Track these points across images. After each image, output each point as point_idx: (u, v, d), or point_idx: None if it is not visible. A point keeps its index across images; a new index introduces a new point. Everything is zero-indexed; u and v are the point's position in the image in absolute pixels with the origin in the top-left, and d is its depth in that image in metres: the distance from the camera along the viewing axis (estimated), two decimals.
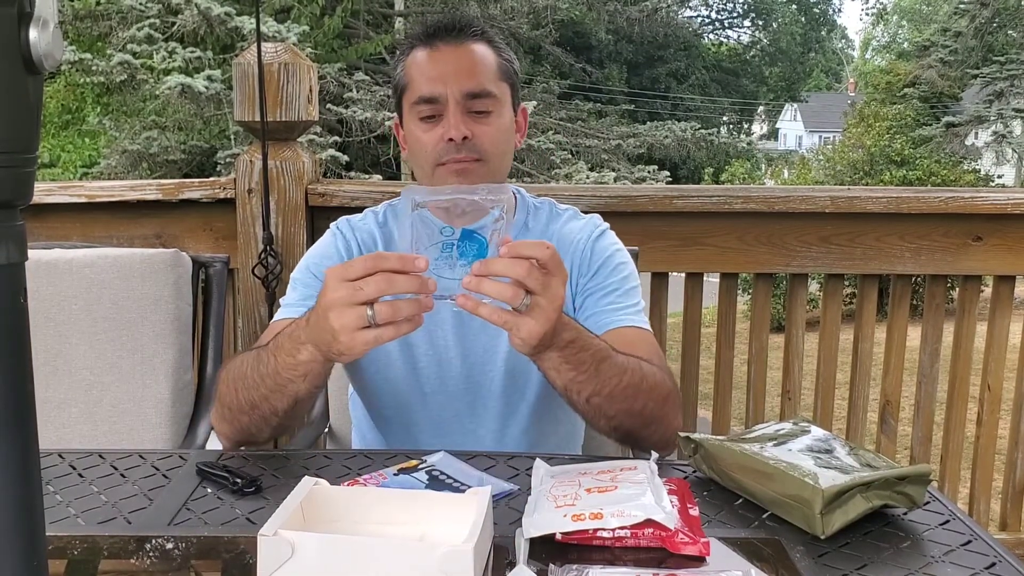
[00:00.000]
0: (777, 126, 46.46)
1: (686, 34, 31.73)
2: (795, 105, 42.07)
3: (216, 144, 12.36)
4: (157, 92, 11.17)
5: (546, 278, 1.02)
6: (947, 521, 1.02)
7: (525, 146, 11.46)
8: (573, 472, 1.06)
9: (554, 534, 0.93)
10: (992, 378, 2.31)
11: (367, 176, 11.31)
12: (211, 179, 2.20)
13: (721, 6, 44.49)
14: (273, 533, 0.85)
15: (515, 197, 1.44)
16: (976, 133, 18.63)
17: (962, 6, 18.39)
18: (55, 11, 0.55)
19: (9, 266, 0.55)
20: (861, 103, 21.90)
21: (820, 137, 35.60)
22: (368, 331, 1.02)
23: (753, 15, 44.24)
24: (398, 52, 1.51)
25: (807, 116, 41.96)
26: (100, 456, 1.23)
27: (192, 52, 11.34)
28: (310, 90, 2.08)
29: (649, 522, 0.91)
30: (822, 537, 0.96)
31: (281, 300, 1.41)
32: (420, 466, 1.15)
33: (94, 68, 11.20)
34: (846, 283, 2.67)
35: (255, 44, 1.98)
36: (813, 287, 4.79)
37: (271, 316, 2.00)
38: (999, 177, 18.93)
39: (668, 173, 14.66)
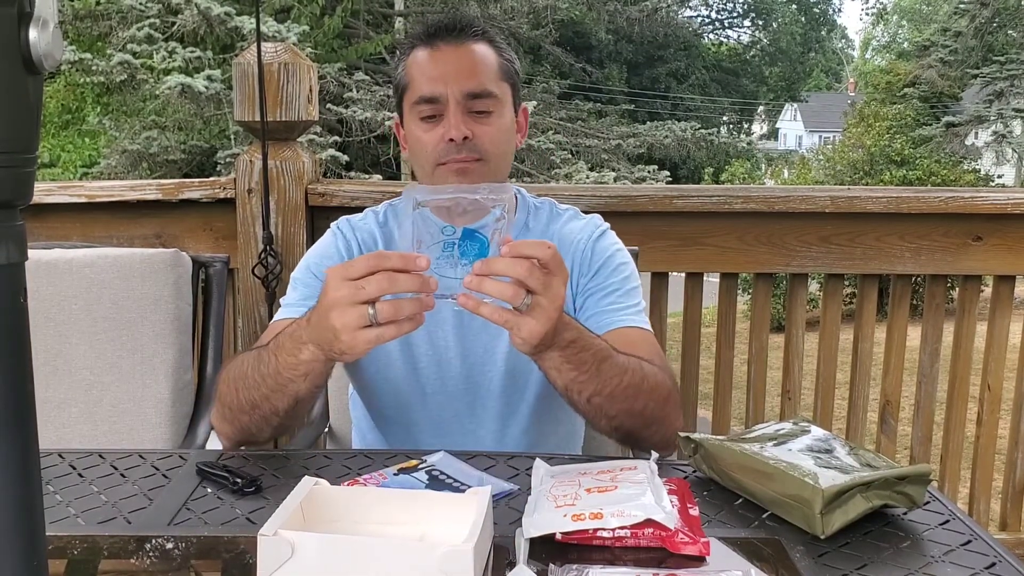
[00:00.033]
0: (777, 126, 46.46)
1: (686, 34, 31.74)
2: (795, 105, 42.07)
3: (216, 144, 12.37)
4: (157, 92, 11.17)
5: (547, 278, 1.02)
6: (947, 521, 1.02)
7: (525, 146, 11.45)
8: (573, 472, 1.06)
9: (554, 534, 0.93)
10: (992, 378, 2.31)
11: (367, 176, 11.31)
12: (211, 179, 2.20)
13: (721, 6, 44.51)
14: (273, 533, 0.85)
15: (516, 197, 1.44)
16: (976, 133, 18.63)
17: (962, 6, 18.39)
18: (55, 11, 0.55)
19: (9, 266, 0.55)
20: (861, 103, 21.90)
21: (820, 137, 35.60)
22: (370, 330, 1.02)
23: (753, 15, 44.24)
24: (399, 52, 1.51)
25: (807, 116, 41.96)
26: (100, 456, 1.23)
27: (192, 52, 11.34)
28: (310, 90, 2.08)
29: (649, 522, 0.91)
30: (822, 537, 0.96)
31: (281, 300, 1.41)
32: (420, 466, 1.15)
33: (94, 68, 11.21)
34: (846, 283, 2.67)
35: (255, 44, 1.98)
36: (813, 287, 4.79)
37: (271, 316, 2.00)
38: (999, 177, 18.93)
39: (668, 173, 14.67)
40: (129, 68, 11.19)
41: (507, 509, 1.04)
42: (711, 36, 43.04)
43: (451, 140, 1.34)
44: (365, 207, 1.52)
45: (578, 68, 21.21)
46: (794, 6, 44.88)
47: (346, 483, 1.09)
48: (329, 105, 11.79)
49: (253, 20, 10.73)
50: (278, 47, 2.08)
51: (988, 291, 2.42)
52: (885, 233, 2.19)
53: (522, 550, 0.91)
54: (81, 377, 1.67)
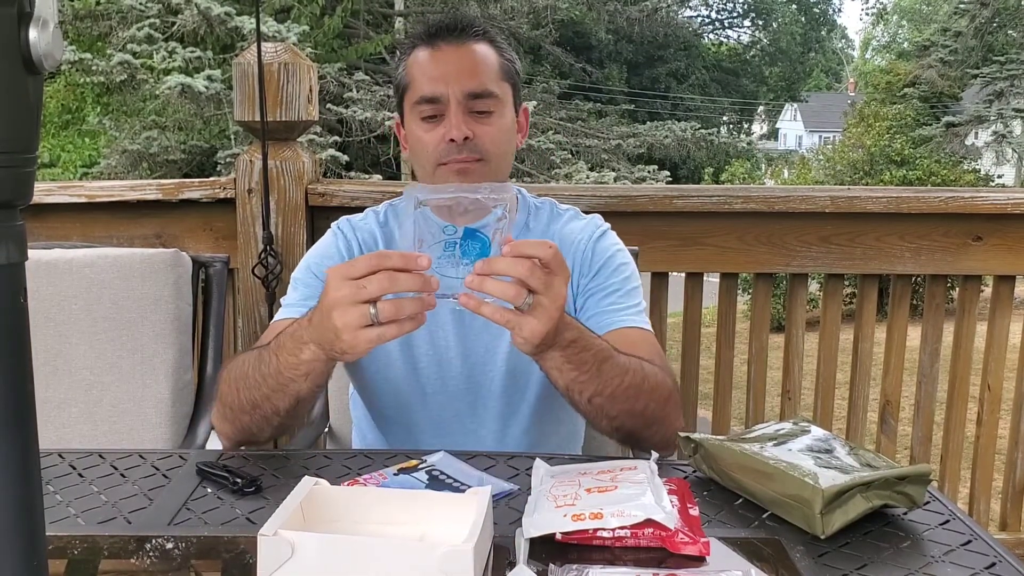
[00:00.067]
0: (777, 126, 46.46)
1: (686, 34, 31.74)
2: (795, 105, 42.07)
3: (216, 144, 12.37)
4: (157, 92, 11.18)
5: (548, 277, 1.03)
6: (947, 521, 1.02)
7: (525, 146, 11.45)
8: (573, 472, 1.06)
9: (554, 534, 0.93)
10: (992, 378, 2.31)
11: (367, 176, 11.31)
12: (211, 179, 2.20)
13: (721, 6, 44.51)
14: (273, 533, 0.85)
15: (517, 197, 1.44)
16: (976, 133, 18.63)
17: (962, 6, 18.39)
18: (55, 11, 0.55)
19: (9, 266, 0.55)
20: (861, 103, 21.90)
21: (820, 137, 35.60)
22: (371, 329, 1.02)
23: (753, 15, 44.24)
24: (399, 52, 1.51)
25: (807, 116, 41.96)
26: (100, 456, 1.23)
27: (192, 52, 11.34)
28: (310, 90, 2.08)
29: (649, 522, 0.91)
30: (822, 537, 0.96)
31: (282, 300, 1.41)
32: (420, 466, 1.15)
33: (94, 68, 11.21)
34: (846, 283, 2.67)
35: (255, 44, 1.98)
36: (813, 287, 4.79)
37: (271, 316, 2.00)
38: (999, 177, 18.93)
39: (668, 173, 14.67)
40: (129, 68, 11.19)
41: (507, 509, 1.04)
42: (711, 36, 43.06)
43: (452, 140, 1.34)
44: (365, 207, 1.52)
45: (578, 68, 21.21)
46: (794, 6, 44.88)
47: (346, 483, 1.09)
48: (329, 105, 11.80)
49: (253, 20, 10.73)
50: (278, 47, 2.08)
51: (988, 291, 2.42)
52: (885, 233, 2.19)
53: (522, 550, 0.91)
54: (81, 377, 1.67)
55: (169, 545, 0.99)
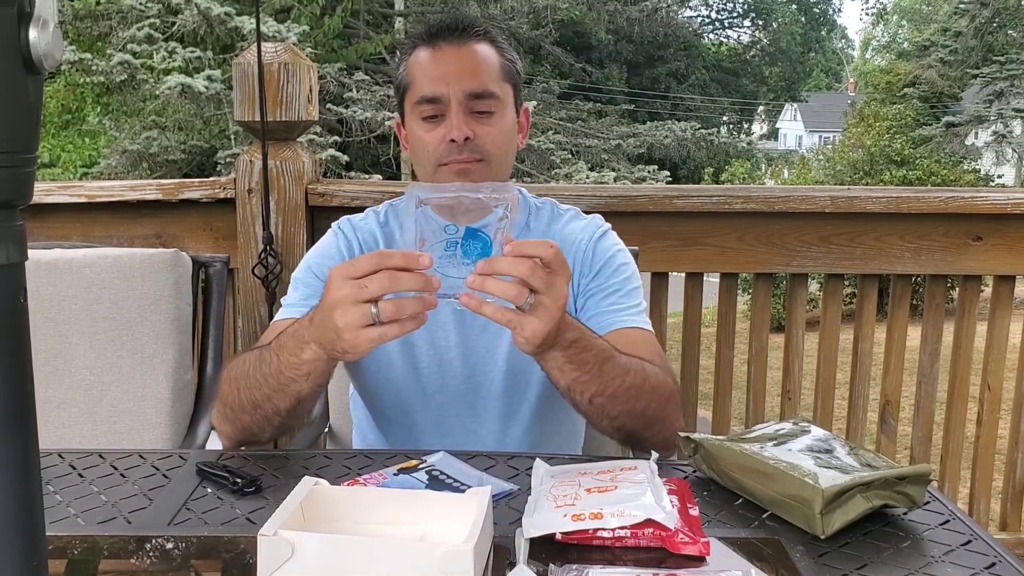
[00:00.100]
0: (777, 126, 46.46)
1: (686, 34, 31.75)
2: (795, 105, 42.07)
3: (216, 144, 12.37)
4: (157, 92, 11.18)
5: (550, 277, 1.03)
6: (947, 521, 1.02)
7: (525, 146, 11.45)
8: (573, 472, 1.06)
9: (554, 534, 0.93)
10: (992, 378, 2.31)
11: (367, 176, 11.32)
12: (211, 179, 2.20)
13: (721, 6, 44.51)
14: (273, 533, 0.85)
15: (518, 197, 1.44)
16: (976, 133, 18.63)
17: (962, 6, 18.39)
18: (55, 11, 0.55)
19: (9, 266, 0.55)
20: (861, 103, 21.90)
21: (820, 137, 35.60)
22: (372, 329, 1.02)
23: (753, 15, 44.24)
24: (400, 52, 1.50)
25: (807, 116, 41.96)
26: (100, 456, 1.23)
27: (192, 52, 11.34)
28: (310, 90, 2.08)
29: (649, 522, 0.91)
30: (822, 537, 0.96)
31: (282, 300, 1.41)
32: (420, 466, 1.15)
33: (94, 68, 11.21)
34: (846, 283, 2.67)
35: (255, 44, 1.98)
36: (813, 287, 4.79)
37: (271, 316, 2.00)
38: (999, 177, 18.93)
39: (668, 173, 14.68)
40: (129, 68, 11.19)
41: (507, 509, 1.04)
42: (711, 36, 43.07)
43: (453, 140, 1.34)
44: (365, 207, 1.52)
45: (578, 68, 21.22)
46: (794, 6, 44.88)
47: (346, 483, 1.09)
48: (329, 105, 11.80)
49: (253, 20, 10.73)
50: (278, 47, 2.08)
51: (988, 291, 2.42)
52: (885, 233, 2.19)
53: (522, 550, 0.90)
54: (81, 377, 1.67)
55: (169, 545, 0.99)
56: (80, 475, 1.17)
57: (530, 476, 1.08)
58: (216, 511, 1.06)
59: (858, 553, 0.95)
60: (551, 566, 0.88)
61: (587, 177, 12.55)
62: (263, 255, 2.07)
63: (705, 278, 2.27)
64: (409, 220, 1.05)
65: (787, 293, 2.31)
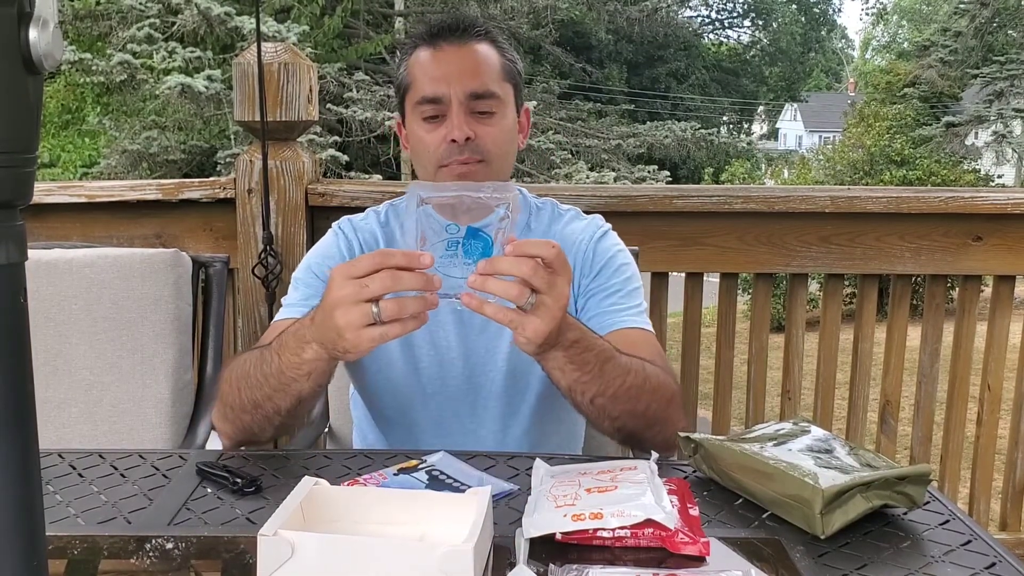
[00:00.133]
0: (777, 126, 46.46)
1: (686, 34, 31.75)
2: (795, 105, 42.07)
3: (216, 144, 12.37)
4: (157, 92, 11.18)
5: (551, 277, 1.03)
6: (947, 521, 1.02)
7: (525, 146, 11.46)
8: (573, 472, 1.06)
9: (554, 534, 0.93)
10: (992, 378, 2.31)
11: (367, 176, 11.32)
12: (211, 179, 2.20)
13: (721, 6, 44.51)
14: (273, 533, 0.85)
15: (519, 196, 1.44)
16: (976, 133, 18.63)
17: (962, 6, 18.39)
18: (55, 11, 0.55)
19: (9, 266, 0.55)
20: (861, 103, 21.90)
21: (820, 137, 35.59)
22: (374, 328, 1.02)
23: (753, 15, 44.24)
24: (401, 51, 1.50)
25: (807, 116, 41.96)
26: (100, 456, 1.23)
27: (192, 52, 11.35)
28: (310, 90, 2.08)
29: (649, 522, 0.91)
30: (822, 537, 0.96)
31: (283, 300, 1.41)
32: (420, 466, 1.15)
33: (94, 68, 11.21)
34: (846, 283, 2.67)
35: (255, 44, 1.98)
36: (813, 287, 4.79)
37: (271, 316, 2.00)
38: (999, 177, 18.93)
39: (668, 173, 14.68)
40: (129, 68, 11.20)
41: (507, 509, 1.04)
42: (711, 36, 43.07)
43: (453, 141, 1.34)
44: (365, 207, 1.52)
45: (578, 68, 21.22)
46: (794, 6, 44.88)
47: (346, 483, 1.09)
48: (329, 105, 11.80)
49: (253, 20, 10.73)
50: (278, 47, 2.08)
51: (988, 291, 2.42)
52: (885, 233, 2.19)
53: (522, 550, 0.90)
54: (81, 377, 1.67)
55: (169, 545, 0.99)
56: (80, 475, 1.17)
57: (530, 476, 1.08)
58: (216, 511, 1.06)
59: (858, 553, 0.95)
60: (551, 566, 0.88)
61: (587, 177, 12.55)
62: (263, 255, 2.07)
63: (705, 278, 2.27)
64: (410, 219, 1.05)
65: (787, 293, 2.31)
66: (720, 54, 40.90)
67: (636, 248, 1.53)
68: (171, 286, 1.69)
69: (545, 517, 0.94)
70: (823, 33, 48.16)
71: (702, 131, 15.37)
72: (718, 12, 44.63)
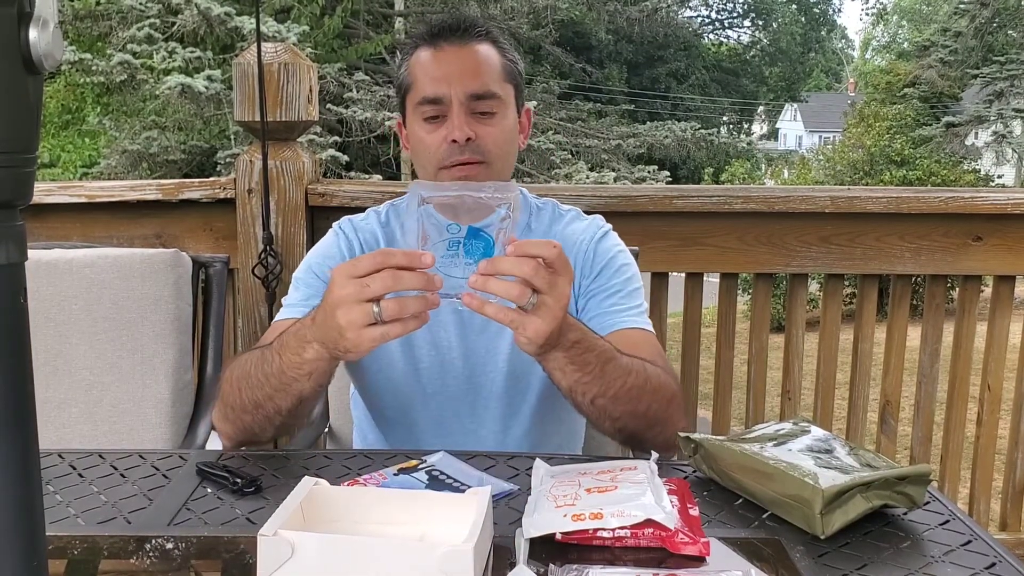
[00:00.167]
0: (777, 126, 46.46)
1: (686, 34, 31.74)
2: (795, 105, 42.07)
3: (216, 144, 12.37)
4: (157, 92, 11.18)
5: (553, 277, 1.03)
6: (947, 521, 1.02)
7: (525, 146, 11.46)
8: (573, 472, 1.06)
9: (554, 534, 0.93)
10: (992, 378, 2.31)
11: (367, 176, 11.31)
12: (211, 179, 2.20)
13: (721, 6, 44.51)
14: (273, 533, 0.85)
15: (520, 196, 1.44)
16: (976, 133, 18.63)
17: (962, 6, 18.39)
18: (55, 11, 0.55)
19: (9, 266, 0.55)
20: (861, 103, 21.90)
21: (820, 137, 35.60)
22: (375, 328, 1.02)
23: (753, 15, 44.24)
24: (401, 52, 1.50)
25: (807, 116, 41.97)
26: (100, 456, 1.23)
27: (192, 52, 11.35)
28: (310, 90, 2.08)
29: (649, 522, 0.91)
30: (822, 537, 0.96)
31: (283, 300, 1.41)
32: (420, 466, 1.15)
33: (94, 68, 11.21)
34: (846, 283, 2.67)
35: (255, 44, 1.98)
36: (813, 287, 4.78)
37: (271, 316, 2.00)
38: (999, 177, 18.93)
39: (668, 173, 14.68)
40: (129, 68, 11.20)
41: (507, 509, 1.04)
42: (711, 36, 43.06)
43: (454, 141, 1.34)
44: (365, 207, 1.52)
45: (578, 68, 21.21)
46: (794, 6, 44.89)
47: (346, 483, 1.09)
48: (329, 105, 11.80)
49: (253, 20, 10.73)
50: (278, 47, 2.08)
51: (988, 291, 2.42)
52: (885, 233, 2.19)
53: (522, 550, 0.90)
54: (81, 377, 1.67)
55: (169, 545, 0.99)
56: (80, 475, 1.17)
57: (530, 476, 1.08)
58: (216, 511, 1.06)
59: (858, 553, 0.95)
60: (551, 566, 0.88)
61: (587, 177, 12.55)
62: (263, 255, 2.07)
63: (705, 278, 2.27)
64: (411, 219, 1.05)
65: (787, 293, 2.31)
66: (720, 54, 40.90)
67: (636, 248, 1.53)
68: (171, 286, 1.69)
69: (545, 517, 0.94)
70: (823, 33, 48.17)
71: (702, 131, 15.37)
72: (718, 12, 44.66)
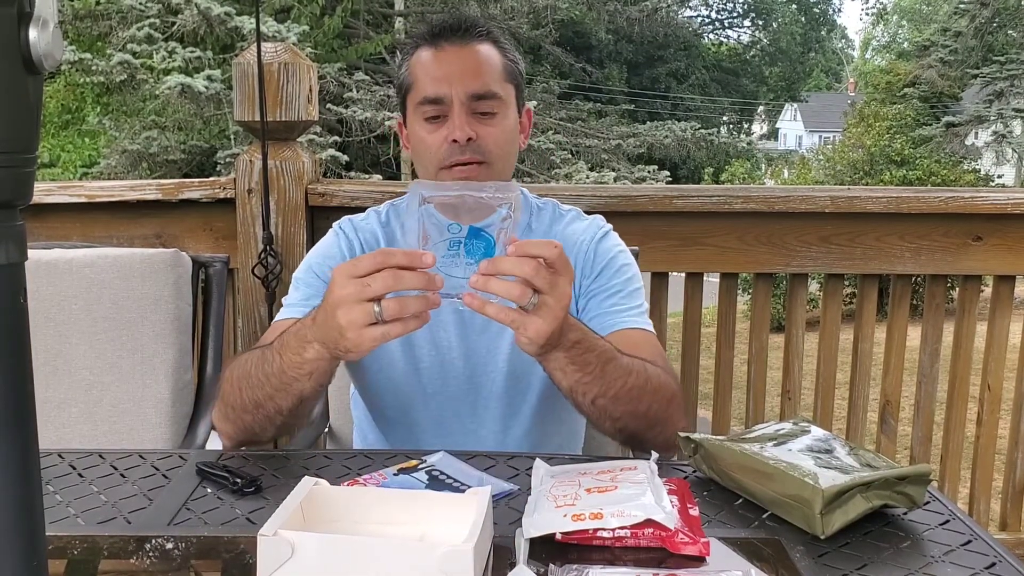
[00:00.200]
0: (777, 126, 46.46)
1: (686, 34, 31.75)
2: (795, 105, 42.07)
3: (216, 144, 12.38)
4: (157, 92, 11.18)
5: (553, 277, 1.02)
6: (947, 521, 1.02)
7: (526, 146, 11.45)
8: (573, 472, 1.06)
9: (554, 534, 0.93)
10: (992, 378, 2.31)
11: (367, 176, 11.32)
12: (211, 179, 2.20)
13: (721, 6, 44.51)
14: (273, 533, 0.85)
15: (521, 196, 1.44)
16: (976, 133, 18.63)
17: (962, 6, 18.39)
18: (55, 11, 0.55)
19: (9, 266, 0.55)
20: (861, 103, 21.89)
21: (820, 137, 35.59)
22: (375, 327, 1.02)
23: (753, 15, 44.24)
24: (402, 51, 1.50)
25: (807, 116, 41.96)
26: (100, 456, 1.23)
27: (192, 52, 11.35)
28: (310, 90, 2.08)
29: (649, 522, 0.91)
30: (822, 537, 0.96)
31: (283, 300, 1.41)
32: (420, 466, 1.15)
33: (94, 68, 11.21)
34: (846, 283, 2.67)
35: (255, 44, 1.98)
36: (813, 287, 4.79)
37: (271, 316, 2.00)
38: (999, 177, 18.93)
39: (668, 173, 14.68)
40: (129, 68, 11.20)
41: (507, 509, 1.04)
42: (711, 36, 43.06)
43: (455, 141, 1.34)
44: (365, 207, 1.52)
45: (578, 68, 21.21)
46: (794, 6, 44.89)
47: (346, 483, 1.09)
48: (329, 105, 11.80)
49: (253, 20, 10.73)
50: (278, 47, 2.08)
51: (988, 291, 2.42)
52: (885, 233, 2.19)
53: (522, 550, 0.90)
54: (81, 377, 1.67)
55: (169, 545, 0.99)
56: (80, 475, 1.17)
57: (530, 476, 1.08)
58: (216, 511, 1.06)
59: (858, 553, 0.95)
60: (551, 566, 0.88)
61: (587, 177, 12.55)
62: (263, 255, 2.07)
63: (705, 278, 2.27)
64: (412, 218, 1.05)
65: (787, 293, 2.31)
66: (720, 54, 40.89)
67: (636, 248, 1.53)
68: (171, 286, 1.69)
69: (545, 517, 0.94)
70: (823, 33, 48.17)
71: (702, 131, 15.37)
72: (718, 12, 44.66)
